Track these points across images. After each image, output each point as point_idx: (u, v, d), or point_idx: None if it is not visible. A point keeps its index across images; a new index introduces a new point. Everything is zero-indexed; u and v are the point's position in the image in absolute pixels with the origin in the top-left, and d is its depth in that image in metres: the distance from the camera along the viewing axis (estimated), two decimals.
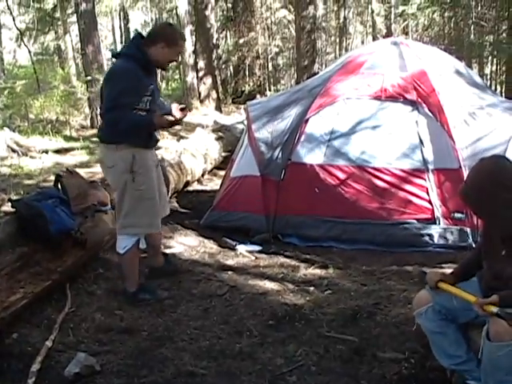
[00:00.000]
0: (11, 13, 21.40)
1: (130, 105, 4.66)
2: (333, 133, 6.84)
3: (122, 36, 35.77)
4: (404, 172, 6.60)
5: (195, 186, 9.60)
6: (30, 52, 19.89)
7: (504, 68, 17.11)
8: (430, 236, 6.40)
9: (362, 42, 28.40)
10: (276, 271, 5.87)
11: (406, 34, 21.42)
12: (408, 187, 6.55)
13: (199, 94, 19.92)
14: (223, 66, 26.01)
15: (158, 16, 33.30)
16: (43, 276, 4.60)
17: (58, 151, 12.64)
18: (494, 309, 2.82)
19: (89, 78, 16.75)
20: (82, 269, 5.40)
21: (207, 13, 19.88)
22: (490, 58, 17.93)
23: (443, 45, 18.01)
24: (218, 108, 20.11)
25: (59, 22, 23.64)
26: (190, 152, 9.48)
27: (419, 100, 6.79)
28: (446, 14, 18.88)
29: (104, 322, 4.62)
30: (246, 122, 8.24)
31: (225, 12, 27.08)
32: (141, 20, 37.66)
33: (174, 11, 25.35)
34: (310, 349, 4.15)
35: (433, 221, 6.45)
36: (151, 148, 5.07)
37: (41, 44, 29.22)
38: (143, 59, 4.77)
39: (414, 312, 3.46)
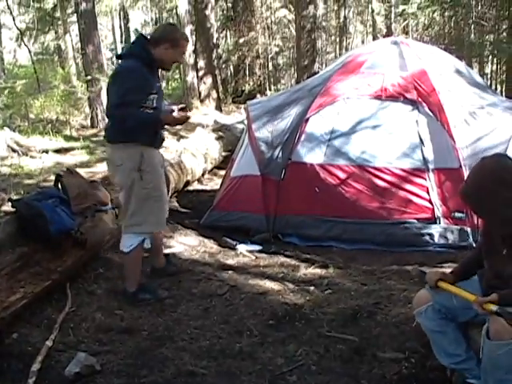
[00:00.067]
0: (11, 12, 21.39)
1: (137, 102, 4.69)
2: (333, 132, 6.84)
3: (122, 35, 35.81)
4: (404, 171, 6.59)
5: (195, 186, 9.60)
6: (30, 52, 19.88)
7: (504, 67, 17.12)
8: (431, 235, 6.40)
9: (362, 42, 28.41)
10: (276, 271, 5.87)
11: (406, 33, 21.42)
12: (408, 187, 6.55)
13: (199, 93, 19.91)
14: (223, 66, 26.01)
15: (158, 15, 33.29)
16: (43, 276, 4.60)
17: (58, 151, 12.63)
18: (494, 307, 2.82)
19: (89, 77, 16.75)
20: (82, 268, 5.40)
21: (207, 12, 19.87)
22: (490, 57, 17.94)
23: (443, 44, 18.02)
24: (219, 107, 20.11)
25: (59, 22, 23.63)
26: (191, 151, 9.48)
27: (419, 99, 6.80)
28: (447, 14, 18.89)
29: (104, 321, 4.61)
30: (246, 122, 8.24)
31: (225, 11, 27.08)
32: (141, 20, 37.68)
33: (174, 11, 25.37)
34: (310, 348, 4.15)
35: (433, 220, 6.45)
36: (158, 147, 5.10)
37: (41, 44, 29.19)
38: (148, 59, 4.82)
39: (414, 311, 3.47)
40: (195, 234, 6.93)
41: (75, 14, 18.37)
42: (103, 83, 16.76)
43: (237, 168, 7.33)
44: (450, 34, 20.14)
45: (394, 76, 7.02)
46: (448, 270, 3.48)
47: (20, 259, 4.50)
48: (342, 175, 6.65)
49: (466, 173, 6.26)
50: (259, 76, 24.58)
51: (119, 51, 32.30)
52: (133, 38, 34.74)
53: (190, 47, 19.37)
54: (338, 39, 27.68)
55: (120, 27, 36.16)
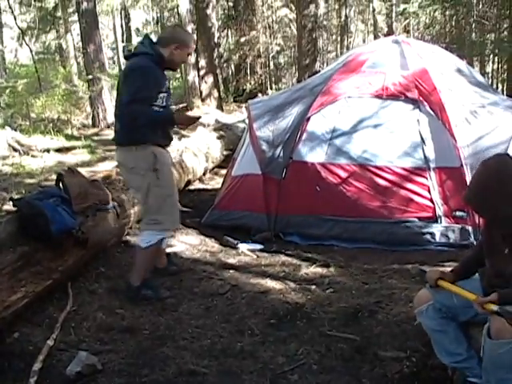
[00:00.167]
0: (12, 12, 21.44)
1: (149, 100, 4.73)
2: (334, 131, 6.83)
3: (123, 35, 35.78)
4: (405, 170, 6.59)
5: (197, 185, 9.59)
6: (31, 51, 19.91)
7: (505, 66, 17.09)
8: (432, 234, 6.40)
9: (364, 41, 28.38)
10: (277, 270, 5.87)
11: (408, 32, 21.40)
12: (409, 186, 6.55)
13: (200, 92, 19.91)
14: (224, 65, 26.01)
15: (159, 15, 33.30)
16: (44, 275, 4.59)
17: (59, 150, 12.64)
18: (494, 307, 2.82)
19: (90, 76, 16.77)
20: (83, 268, 5.40)
21: (208, 11, 19.86)
22: (491, 56, 17.89)
23: (444, 43, 18.00)
24: (220, 107, 20.10)
25: (60, 21, 23.62)
26: (192, 151, 9.47)
27: (421, 98, 6.79)
28: (448, 13, 18.86)
29: (105, 320, 4.62)
30: (247, 121, 8.23)
31: (226, 11, 27.06)
32: (142, 19, 37.72)
33: (176, 10, 25.33)
34: (311, 347, 4.15)
35: (434, 219, 6.45)
36: (167, 146, 5.15)
37: (42, 43, 29.20)
38: (158, 58, 4.87)
39: (415, 310, 3.47)
40: (196, 233, 6.94)
41: (76, 14, 18.39)
42: (104, 82, 16.79)
43: (238, 167, 7.33)
44: (451, 33, 20.12)
45: (395, 75, 7.02)
46: (449, 269, 3.48)
47: (21, 258, 4.49)
48: (344, 174, 6.65)
49: (467, 172, 6.27)
50: (260, 75, 24.57)
51: (120, 51, 32.38)
52: (134, 37, 34.82)
53: None
54: (339, 38, 27.64)
55: (121, 26, 36.15)
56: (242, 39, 23.60)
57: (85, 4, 16.61)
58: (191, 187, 9.25)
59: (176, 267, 5.78)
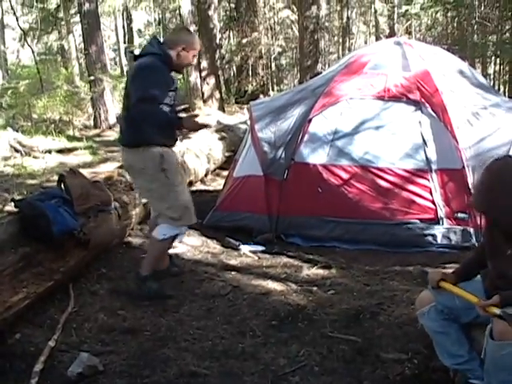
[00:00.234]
0: (14, 13, 21.41)
1: (159, 98, 4.76)
2: (336, 133, 6.83)
3: (125, 36, 35.80)
4: (407, 172, 6.59)
5: (198, 186, 9.58)
6: (33, 52, 19.88)
7: (507, 68, 17.10)
8: (433, 236, 6.40)
9: (365, 42, 28.40)
10: (279, 271, 5.86)
11: (409, 33, 21.43)
12: (411, 187, 6.54)
13: (202, 93, 19.89)
14: (226, 66, 26.03)
15: (161, 16, 33.29)
16: (46, 276, 4.60)
17: (61, 151, 12.66)
18: (497, 311, 2.81)
19: (92, 77, 16.75)
20: (84, 269, 5.41)
21: (210, 13, 19.85)
22: (493, 57, 17.91)
23: (446, 45, 17.97)
24: (221, 108, 20.09)
25: (62, 22, 23.61)
26: (193, 152, 9.47)
27: (422, 100, 6.79)
28: (449, 14, 18.89)
29: (107, 322, 4.62)
30: (249, 122, 8.23)
31: (228, 12, 27.08)
32: (144, 20, 37.67)
33: (177, 11, 25.33)
34: (312, 349, 4.15)
35: (436, 221, 6.44)
36: (172, 147, 5.20)
37: (44, 44, 29.20)
38: (166, 58, 4.92)
39: (417, 312, 3.47)
40: (198, 234, 6.93)
41: (78, 15, 18.36)
42: (106, 83, 16.78)
43: (240, 168, 7.33)
44: (453, 35, 20.13)
45: (397, 76, 7.01)
46: (450, 271, 3.48)
47: (22, 259, 4.50)
48: (345, 176, 6.65)
49: (468, 173, 6.27)
50: (262, 76, 24.58)
51: (122, 52, 32.40)
52: (136, 38, 34.83)
53: None
54: (340, 40, 27.63)
55: (123, 27, 36.14)
56: (244, 40, 23.61)
57: (87, 5, 16.60)
58: (193, 188, 9.23)
59: (178, 268, 5.79)
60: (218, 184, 9.70)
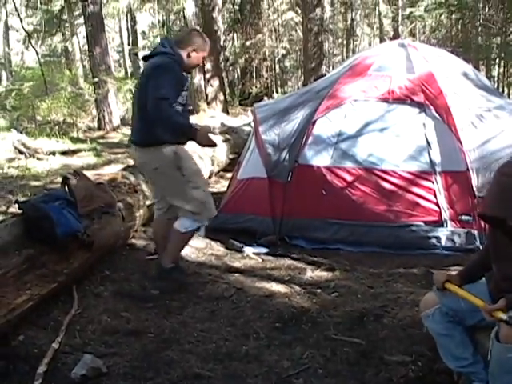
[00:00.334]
0: (19, 15, 21.49)
1: (173, 97, 4.79)
2: (340, 135, 6.83)
3: (129, 38, 35.84)
4: (411, 174, 6.58)
5: None
6: (37, 54, 19.92)
7: (511, 70, 17.08)
8: (438, 238, 6.39)
9: (369, 44, 28.42)
10: (283, 273, 5.86)
11: (414, 35, 21.43)
12: (415, 189, 6.53)
13: (206, 96, 19.91)
14: (230, 68, 26.08)
15: (165, 18, 33.34)
16: (50, 278, 4.59)
17: (65, 153, 12.68)
18: (503, 315, 2.79)
19: (96, 79, 16.78)
20: (88, 271, 5.40)
21: (214, 15, 19.87)
22: (497, 59, 17.90)
23: (450, 47, 18.00)
24: (225, 110, 20.10)
25: (66, 24, 23.70)
26: (198, 154, 9.46)
27: (426, 102, 6.78)
28: (454, 16, 18.88)
29: (110, 323, 4.61)
30: (253, 124, 8.24)
31: (232, 14, 27.11)
32: (148, 22, 37.67)
33: (182, 13, 25.36)
34: (316, 351, 4.14)
35: (440, 223, 6.43)
36: (184, 144, 5.21)
37: (48, 46, 29.31)
38: (178, 58, 4.98)
39: (421, 314, 3.46)
40: (202, 236, 6.92)
41: (82, 16, 18.42)
42: (110, 85, 16.80)
43: (243, 170, 7.33)
44: (457, 37, 20.13)
45: (401, 78, 7.01)
46: (454, 273, 3.47)
47: (26, 261, 4.49)
48: (349, 178, 6.64)
49: (473, 175, 6.26)
50: (266, 78, 24.62)
51: (126, 54, 32.43)
52: (140, 40, 34.84)
53: None
54: (345, 42, 27.71)
55: (127, 29, 36.19)
56: (248, 42, 23.65)
57: (91, 7, 16.62)
58: None
59: (182, 270, 5.78)
60: (221, 186, 9.70)
